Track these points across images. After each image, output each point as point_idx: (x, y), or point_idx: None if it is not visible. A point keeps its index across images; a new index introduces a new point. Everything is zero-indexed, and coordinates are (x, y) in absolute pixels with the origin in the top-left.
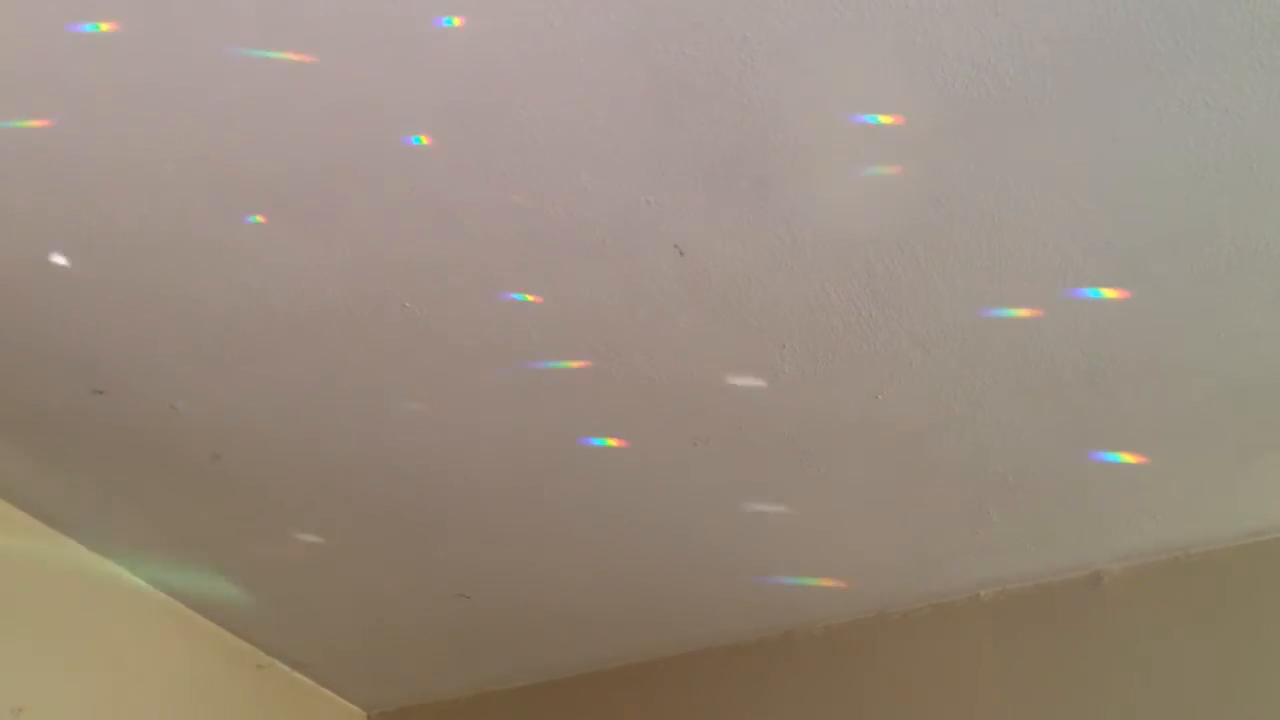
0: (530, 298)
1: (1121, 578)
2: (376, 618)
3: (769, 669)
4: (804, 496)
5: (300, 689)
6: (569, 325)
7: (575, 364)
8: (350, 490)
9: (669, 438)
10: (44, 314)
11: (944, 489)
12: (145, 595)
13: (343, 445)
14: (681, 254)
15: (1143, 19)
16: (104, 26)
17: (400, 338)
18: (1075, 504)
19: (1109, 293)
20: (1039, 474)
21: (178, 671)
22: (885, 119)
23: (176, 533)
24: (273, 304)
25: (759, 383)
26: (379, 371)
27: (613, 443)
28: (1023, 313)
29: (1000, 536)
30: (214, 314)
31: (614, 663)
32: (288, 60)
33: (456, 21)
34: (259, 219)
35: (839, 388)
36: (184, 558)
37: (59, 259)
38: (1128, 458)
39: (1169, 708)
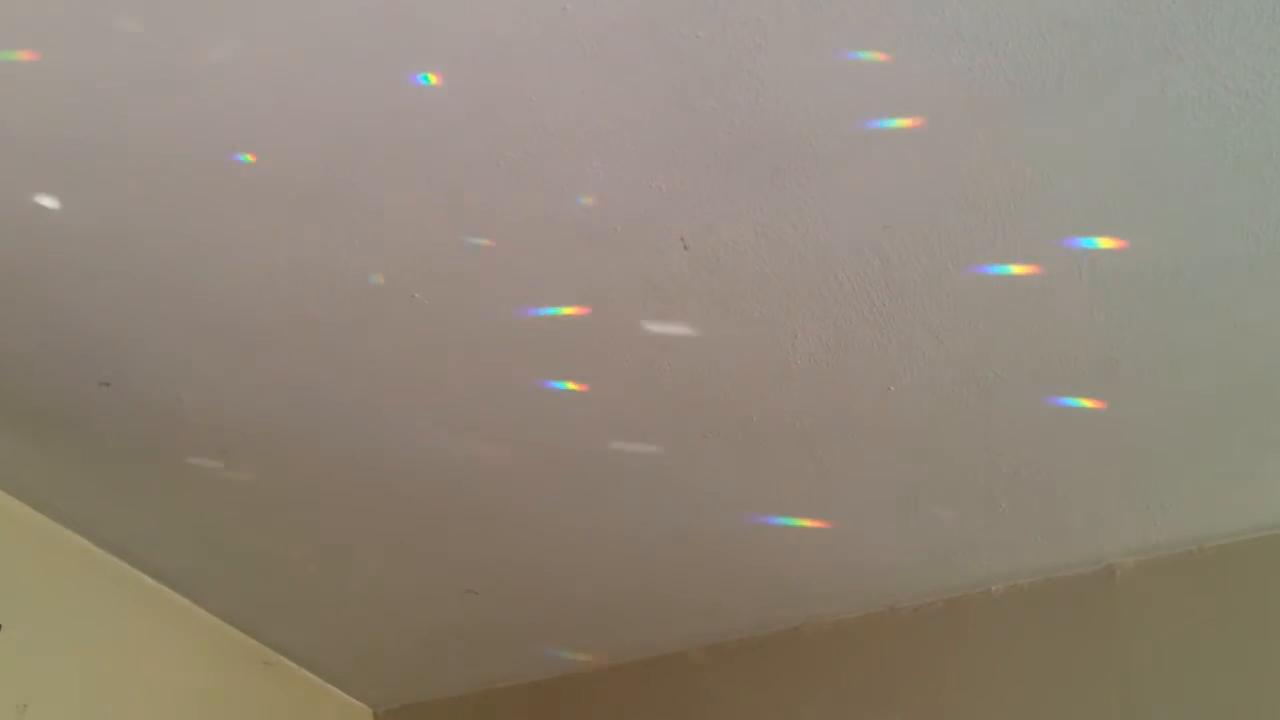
0: (541, 288)
1: (1134, 572)
2: (383, 614)
3: (779, 664)
4: (814, 489)
5: (307, 686)
6: (579, 317)
7: (584, 358)
8: (358, 485)
9: (678, 431)
10: (51, 305)
11: (955, 482)
12: (152, 591)
13: (350, 439)
14: (686, 248)
15: (1163, 2)
16: (114, 19)
17: (410, 328)
18: (1087, 497)
19: (1125, 281)
20: (1051, 467)
21: (184, 668)
22: (901, 104)
23: (183, 528)
24: (280, 296)
25: (770, 374)
26: (388, 364)
27: (620, 437)
28: (1038, 301)
29: (1012, 530)
30: (222, 306)
31: (623, 658)
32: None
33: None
34: (267, 209)
35: (851, 379)
36: (190, 553)
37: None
38: (1140, 449)
39: (1181, 702)
